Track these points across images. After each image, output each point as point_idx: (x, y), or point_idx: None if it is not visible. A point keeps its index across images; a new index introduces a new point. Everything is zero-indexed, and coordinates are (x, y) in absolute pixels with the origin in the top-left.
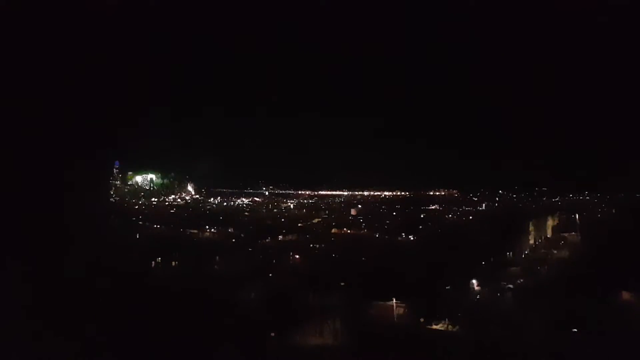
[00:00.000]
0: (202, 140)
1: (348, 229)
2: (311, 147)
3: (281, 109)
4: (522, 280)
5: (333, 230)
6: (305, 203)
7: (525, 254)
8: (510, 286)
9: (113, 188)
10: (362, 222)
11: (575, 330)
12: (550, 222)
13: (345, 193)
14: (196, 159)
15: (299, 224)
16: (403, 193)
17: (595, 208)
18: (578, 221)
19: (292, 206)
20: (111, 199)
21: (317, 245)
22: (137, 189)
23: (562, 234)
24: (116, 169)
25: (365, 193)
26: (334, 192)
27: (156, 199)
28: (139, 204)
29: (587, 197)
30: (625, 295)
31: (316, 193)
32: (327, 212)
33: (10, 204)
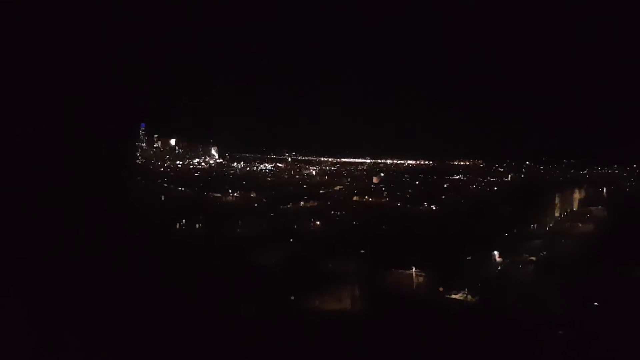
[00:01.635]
0: (227, 104)
1: (370, 197)
2: (334, 114)
3: (304, 75)
4: (545, 253)
5: (354, 198)
6: (328, 170)
7: (549, 226)
8: (533, 258)
9: (139, 150)
10: (384, 191)
11: (597, 304)
12: (576, 195)
13: (368, 161)
14: (221, 123)
15: (321, 191)
16: (427, 162)
17: (624, 182)
18: (605, 195)
19: (314, 173)
20: (137, 161)
21: (338, 212)
22: (163, 152)
23: (588, 208)
24: (142, 131)
25: (388, 161)
26: (356, 160)
27: (181, 162)
28: (164, 167)
29: (617, 171)
30: None
31: (339, 160)
32: (349, 179)
33: (37, 162)
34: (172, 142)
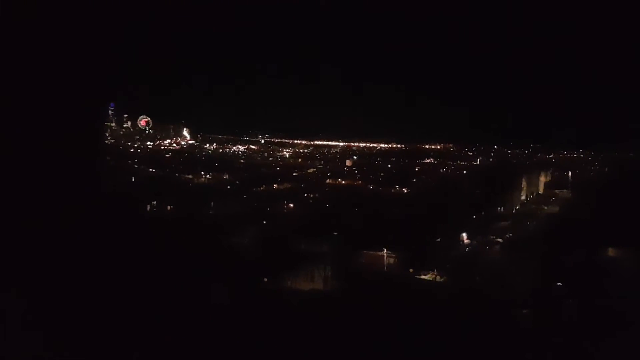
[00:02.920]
0: (199, 86)
1: (342, 179)
2: (308, 97)
3: (278, 57)
4: (511, 234)
5: (327, 181)
6: (301, 152)
7: (516, 209)
8: (500, 240)
9: (108, 130)
10: (357, 173)
11: (560, 284)
12: (542, 179)
13: (341, 144)
14: (193, 104)
15: (294, 173)
16: (399, 145)
17: (588, 166)
18: (570, 178)
19: (287, 155)
20: (106, 141)
21: (312, 195)
22: (133, 132)
23: (553, 191)
24: (111, 110)
25: (361, 144)
26: (329, 143)
27: (152, 143)
28: (134, 147)
29: (582, 155)
30: (612, 252)
31: (312, 143)
32: (322, 162)
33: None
34: (143, 122)
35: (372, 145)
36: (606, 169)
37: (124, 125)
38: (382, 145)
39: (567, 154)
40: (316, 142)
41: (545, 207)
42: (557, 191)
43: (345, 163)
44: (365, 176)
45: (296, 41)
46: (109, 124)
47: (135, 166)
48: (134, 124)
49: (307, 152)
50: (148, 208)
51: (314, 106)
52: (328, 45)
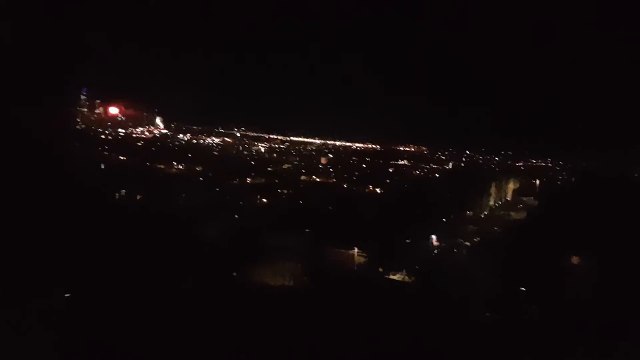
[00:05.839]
0: (175, 74)
1: (317, 177)
2: (286, 92)
3: (258, 49)
4: (478, 238)
5: (302, 177)
6: (277, 148)
7: (484, 214)
8: (467, 243)
9: (79, 115)
10: (332, 171)
11: (524, 289)
12: (511, 186)
13: (318, 141)
14: (167, 93)
15: (269, 168)
16: (374, 146)
17: (556, 175)
18: (537, 186)
19: (263, 150)
20: (77, 127)
21: (285, 191)
22: (105, 119)
23: (521, 198)
24: (84, 95)
25: (337, 143)
26: (306, 139)
27: (124, 130)
28: (105, 134)
29: (550, 164)
30: (574, 259)
31: (288, 139)
32: (297, 158)
33: None
34: (115, 109)
35: (347, 144)
36: (573, 179)
37: (96, 111)
38: (358, 145)
39: (535, 162)
40: (292, 138)
41: (513, 214)
42: (524, 198)
43: (321, 160)
44: (340, 174)
45: (279, 34)
46: (80, 109)
47: (106, 153)
48: (106, 110)
49: (282, 147)
50: (117, 196)
51: (291, 101)
52: (311, 40)
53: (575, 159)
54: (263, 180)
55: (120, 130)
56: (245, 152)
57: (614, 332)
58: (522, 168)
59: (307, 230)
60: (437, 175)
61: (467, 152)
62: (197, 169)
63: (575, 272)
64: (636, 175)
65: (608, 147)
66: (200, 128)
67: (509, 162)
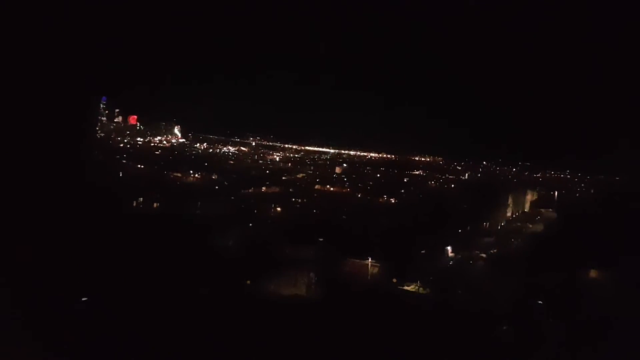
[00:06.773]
0: (193, 84)
1: (331, 186)
2: (301, 102)
3: (274, 63)
4: (495, 250)
5: (316, 187)
6: (291, 157)
7: (501, 225)
8: (483, 255)
9: (99, 124)
10: (346, 181)
11: (541, 302)
12: (529, 197)
13: (332, 151)
14: (185, 102)
15: (283, 177)
16: (389, 156)
17: (575, 187)
18: (556, 198)
19: (277, 159)
20: (96, 135)
21: (300, 200)
22: (123, 127)
23: (539, 210)
24: (103, 104)
25: (352, 152)
26: (320, 149)
27: (142, 139)
28: (124, 143)
29: (568, 176)
30: (593, 273)
31: (303, 148)
32: (312, 167)
33: None
34: (134, 118)
35: (362, 154)
36: (592, 191)
37: (115, 120)
38: (373, 154)
39: (554, 174)
40: (307, 148)
41: (530, 226)
42: (542, 210)
43: (335, 170)
44: (354, 184)
45: (295, 46)
46: (100, 118)
47: (124, 162)
48: (125, 119)
49: (297, 156)
50: (134, 204)
51: (307, 111)
52: (326, 53)
53: (594, 170)
54: (278, 189)
55: (138, 139)
56: (261, 161)
57: (632, 347)
58: (540, 179)
59: (320, 239)
60: (452, 185)
61: (484, 162)
62: (213, 177)
63: (593, 286)
64: None
65: (628, 159)
66: (216, 137)
67: (526, 173)
